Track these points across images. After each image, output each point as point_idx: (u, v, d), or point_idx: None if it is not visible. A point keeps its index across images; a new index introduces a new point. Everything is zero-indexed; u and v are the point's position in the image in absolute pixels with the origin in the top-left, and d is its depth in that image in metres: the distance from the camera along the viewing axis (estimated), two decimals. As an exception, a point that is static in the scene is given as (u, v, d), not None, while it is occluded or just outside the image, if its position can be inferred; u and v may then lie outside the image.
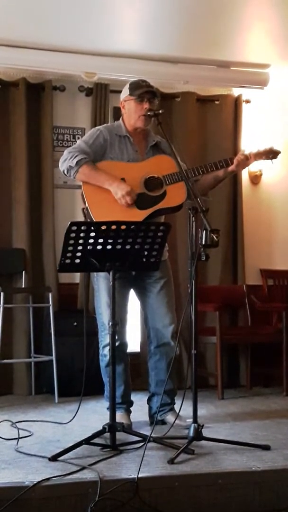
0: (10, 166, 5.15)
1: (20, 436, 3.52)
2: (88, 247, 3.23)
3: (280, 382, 5.09)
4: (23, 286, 5.06)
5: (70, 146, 3.97)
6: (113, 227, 3.22)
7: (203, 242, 3.17)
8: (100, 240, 3.23)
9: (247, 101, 5.69)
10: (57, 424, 3.96)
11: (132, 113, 3.80)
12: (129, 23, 4.97)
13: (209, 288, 5.37)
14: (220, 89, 5.63)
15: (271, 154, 3.81)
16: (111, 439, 3.29)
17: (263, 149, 3.80)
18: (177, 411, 3.75)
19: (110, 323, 3.34)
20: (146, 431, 3.57)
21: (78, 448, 3.21)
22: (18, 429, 3.63)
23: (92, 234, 3.20)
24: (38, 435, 3.67)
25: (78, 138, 5.18)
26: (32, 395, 4.99)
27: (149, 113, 3.72)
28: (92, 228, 3.21)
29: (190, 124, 5.49)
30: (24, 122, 5.12)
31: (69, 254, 3.24)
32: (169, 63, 5.33)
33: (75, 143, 3.93)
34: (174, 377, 3.95)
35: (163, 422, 3.88)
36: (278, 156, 3.83)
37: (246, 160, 3.78)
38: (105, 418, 3.43)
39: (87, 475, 2.86)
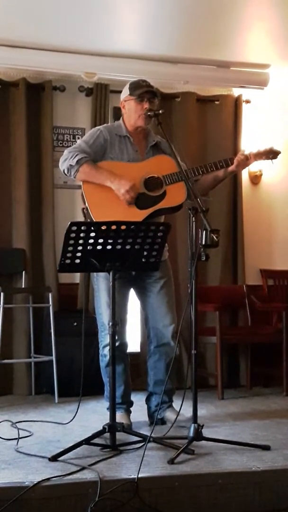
0: (10, 166, 5.15)
1: (20, 436, 3.52)
2: (88, 247, 3.23)
3: (280, 382, 5.09)
4: (23, 286, 5.06)
5: (70, 146, 3.97)
6: (113, 227, 3.22)
7: (203, 242, 3.17)
8: (100, 240, 3.23)
9: (247, 101, 5.68)
10: (57, 424, 3.96)
11: (132, 113, 3.81)
12: (129, 23, 4.97)
13: (209, 288, 5.37)
14: (220, 89, 5.63)
15: (271, 154, 3.81)
16: (111, 439, 3.29)
17: (263, 149, 3.80)
18: (177, 410, 3.75)
19: (110, 323, 3.34)
20: (146, 431, 3.58)
21: (78, 448, 3.21)
22: (18, 429, 3.63)
23: (92, 234, 3.20)
24: (38, 435, 3.67)
25: (78, 138, 5.18)
26: (32, 395, 4.99)
27: (149, 113, 3.72)
28: (92, 228, 3.21)
29: (190, 124, 5.49)
30: (24, 122, 5.12)
31: (69, 254, 3.24)
32: (169, 63, 5.33)
33: (75, 143, 3.93)
34: (173, 377, 3.95)
35: (162, 421, 3.88)
36: (278, 156, 3.83)
37: (246, 160, 3.78)
38: (105, 418, 3.43)
39: (87, 475, 2.86)
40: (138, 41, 5.14)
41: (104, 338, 3.80)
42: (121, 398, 3.83)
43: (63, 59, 5.11)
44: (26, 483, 2.73)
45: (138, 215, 3.67)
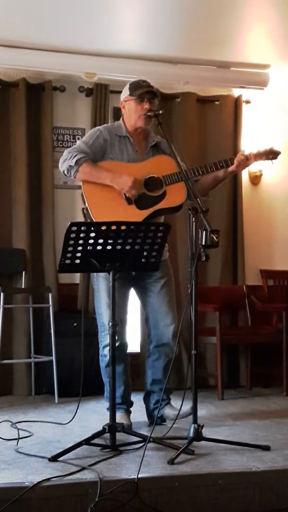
0: (10, 166, 5.15)
1: (20, 437, 3.52)
2: (88, 248, 3.23)
3: (280, 382, 5.09)
4: (23, 287, 5.06)
5: (70, 146, 3.97)
6: (113, 227, 3.22)
7: (203, 243, 3.17)
8: (100, 241, 3.23)
9: (247, 102, 5.68)
10: (57, 424, 3.96)
11: (132, 113, 3.80)
12: (129, 23, 4.97)
13: (209, 289, 5.37)
14: (220, 89, 5.63)
15: (271, 154, 3.81)
16: (111, 440, 3.29)
17: (263, 150, 3.80)
18: (176, 407, 3.75)
19: (110, 324, 3.34)
20: (146, 431, 3.58)
21: (78, 449, 3.21)
22: (18, 429, 3.63)
23: (92, 234, 3.20)
24: (38, 436, 3.66)
25: (78, 138, 5.18)
26: (32, 395, 4.99)
27: (149, 113, 3.72)
28: (92, 228, 3.21)
29: (190, 125, 5.49)
30: (24, 122, 5.12)
31: (69, 255, 3.23)
32: (169, 64, 5.33)
33: (75, 144, 3.93)
34: (171, 376, 3.95)
35: (162, 419, 3.88)
36: (278, 157, 3.83)
37: (246, 161, 3.79)
38: (105, 419, 3.43)
39: (87, 476, 2.86)
40: (138, 41, 5.14)
41: (104, 338, 3.80)
42: (121, 398, 3.83)
43: (63, 59, 5.11)
44: (26, 483, 2.73)
45: (138, 215, 3.67)
